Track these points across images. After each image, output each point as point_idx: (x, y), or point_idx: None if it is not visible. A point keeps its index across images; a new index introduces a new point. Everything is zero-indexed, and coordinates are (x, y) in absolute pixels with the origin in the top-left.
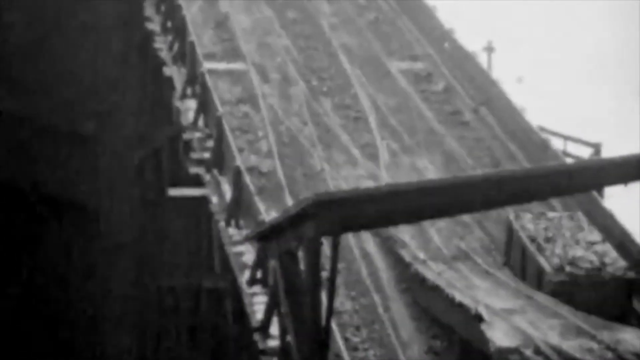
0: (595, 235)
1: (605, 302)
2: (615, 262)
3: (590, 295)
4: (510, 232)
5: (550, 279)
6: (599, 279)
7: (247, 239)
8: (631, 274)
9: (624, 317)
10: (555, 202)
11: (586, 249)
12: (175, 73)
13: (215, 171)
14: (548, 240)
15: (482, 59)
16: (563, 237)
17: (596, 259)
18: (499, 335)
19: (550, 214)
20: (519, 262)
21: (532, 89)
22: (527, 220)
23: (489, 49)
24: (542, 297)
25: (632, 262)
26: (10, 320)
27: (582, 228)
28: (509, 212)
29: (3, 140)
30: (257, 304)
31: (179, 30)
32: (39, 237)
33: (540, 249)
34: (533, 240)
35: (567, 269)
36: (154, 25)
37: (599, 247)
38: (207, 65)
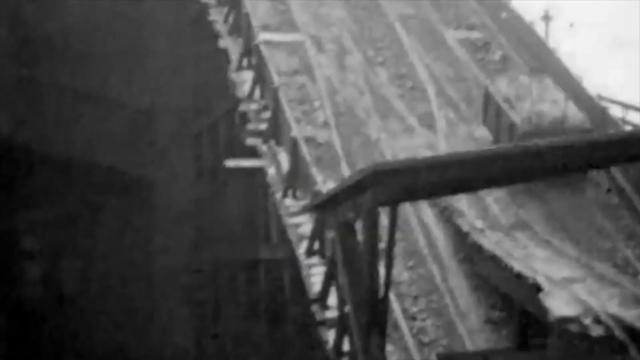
0: (559, 94)
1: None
2: (576, 115)
3: None
4: (486, 94)
5: (520, 129)
6: (561, 129)
7: (304, 210)
8: (588, 124)
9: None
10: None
11: (551, 105)
12: (230, 45)
13: (272, 142)
14: (519, 99)
15: (540, 28)
16: (531, 96)
17: (559, 113)
18: (558, 305)
19: (521, 78)
20: (494, 119)
21: (589, 57)
22: (501, 84)
23: (547, 18)
24: (601, 267)
25: (589, 115)
26: (73, 289)
27: (549, 89)
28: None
29: (60, 114)
30: (315, 275)
31: (234, 2)
32: (98, 209)
33: (511, 107)
34: (506, 100)
35: (534, 120)
36: None
37: (561, 104)
38: (262, 36)
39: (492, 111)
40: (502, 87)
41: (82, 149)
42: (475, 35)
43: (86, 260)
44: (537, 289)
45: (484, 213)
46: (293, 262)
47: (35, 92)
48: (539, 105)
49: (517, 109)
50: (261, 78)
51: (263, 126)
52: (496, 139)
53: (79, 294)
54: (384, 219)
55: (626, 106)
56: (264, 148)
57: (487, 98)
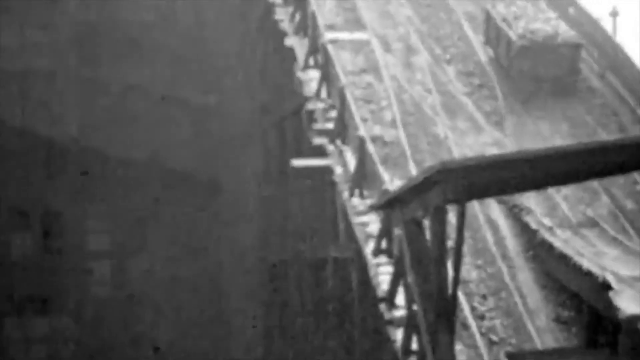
0: (552, 14)
1: (559, 62)
2: (566, 32)
3: (547, 57)
4: (487, 16)
5: (516, 44)
6: (553, 42)
7: (371, 208)
8: (577, 39)
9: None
10: None
11: (544, 23)
12: (296, 44)
13: (338, 141)
14: (516, 18)
15: (607, 24)
16: (527, 16)
17: (551, 30)
18: (627, 303)
19: (518, 1)
20: (494, 38)
21: None
22: (500, 6)
23: (614, 14)
24: None
25: (580, 33)
26: (141, 289)
27: (542, 10)
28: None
29: (126, 114)
30: (383, 274)
31: (300, 1)
32: (166, 209)
33: (509, 25)
34: (504, 19)
35: (529, 36)
36: None
37: (554, 22)
38: (328, 35)
39: (492, 31)
40: (500, 9)
41: (149, 149)
42: None
43: (154, 259)
44: (607, 287)
45: (553, 211)
46: (360, 260)
47: (99, 92)
48: (533, 23)
49: (514, 27)
50: (327, 77)
51: (330, 125)
52: (496, 55)
53: (147, 294)
54: (451, 217)
55: None
56: (330, 147)
57: (488, 19)
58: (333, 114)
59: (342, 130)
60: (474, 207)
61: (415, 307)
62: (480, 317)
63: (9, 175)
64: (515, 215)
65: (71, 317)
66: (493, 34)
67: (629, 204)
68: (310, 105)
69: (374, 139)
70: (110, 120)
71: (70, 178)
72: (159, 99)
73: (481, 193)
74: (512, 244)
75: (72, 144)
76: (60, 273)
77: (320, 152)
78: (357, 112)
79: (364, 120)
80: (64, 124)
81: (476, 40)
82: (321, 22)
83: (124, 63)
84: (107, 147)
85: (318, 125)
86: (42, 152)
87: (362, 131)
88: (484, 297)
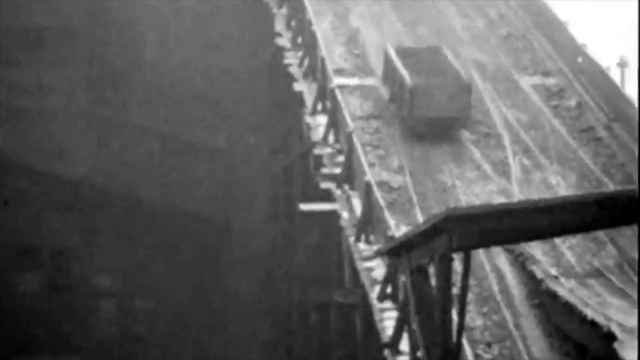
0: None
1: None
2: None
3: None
4: (386, 56)
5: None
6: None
7: (377, 254)
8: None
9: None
10: None
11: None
12: (305, 89)
13: (345, 186)
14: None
15: (615, 74)
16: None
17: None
18: (632, 354)
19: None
20: (389, 77)
21: None
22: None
23: (622, 64)
24: None
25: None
26: (147, 330)
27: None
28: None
29: (135, 154)
30: (387, 319)
31: (309, 46)
32: (174, 251)
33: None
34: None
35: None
36: (284, 41)
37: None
38: (337, 80)
39: (389, 70)
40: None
41: (159, 190)
42: (550, 81)
43: (160, 300)
44: (612, 337)
45: (558, 260)
46: (365, 306)
47: (109, 132)
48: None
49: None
50: (335, 122)
51: (337, 170)
52: (391, 95)
53: (153, 335)
54: (457, 265)
55: None
56: (337, 192)
57: (386, 58)
58: (340, 159)
59: (350, 175)
60: (480, 255)
61: (419, 353)
62: None
63: (17, 214)
64: (521, 264)
65: (80, 355)
66: (389, 70)
67: (636, 255)
68: (318, 150)
69: (381, 185)
70: (120, 160)
71: (80, 216)
72: (169, 140)
73: (487, 242)
74: (518, 292)
75: (79, 183)
76: (68, 311)
77: (328, 196)
78: (364, 157)
79: (371, 165)
80: (74, 163)
81: (484, 87)
82: (330, 67)
83: (133, 105)
84: (116, 188)
85: (325, 170)
86: (52, 191)
87: (369, 176)
88: (489, 345)
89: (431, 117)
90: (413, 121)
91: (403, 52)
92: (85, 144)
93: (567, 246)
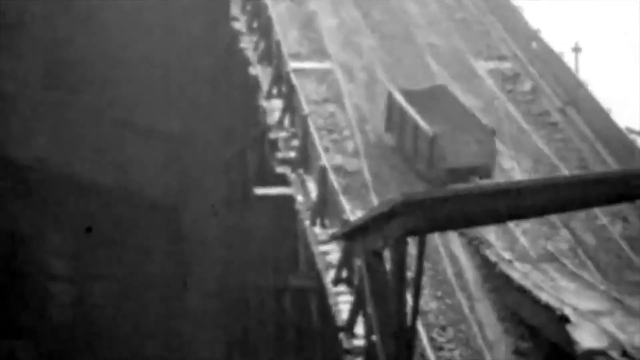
0: None
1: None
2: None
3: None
4: (390, 100)
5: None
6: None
7: (332, 238)
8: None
9: None
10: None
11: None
12: (260, 73)
13: (300, 170)
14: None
15: (570, 59)
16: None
17: None
18: (585, 337)
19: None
20: (397, 123)
21: (619, 88)
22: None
23: (577, 49)
24: (630, 300)
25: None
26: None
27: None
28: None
29: (92, 139)
30: (342, 303)
31: (264, 30)
32: (128, 235)
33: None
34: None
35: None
36: (240, 25)
37: None
38: (293, 64)
39: (396, 116)
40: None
41: (113, 174)
42: (505, 65)
43: (116, 284)
44: (565, 320)
45: (512, 244)
46: (320, 290)
47: (67, 117)
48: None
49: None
50: (291, 106)
51: (292, 154)
52: (400, 143)
53: (108, 318)
54: (412, 249)
55: None
56: (292, 176)
57: (390, 101)
58: (295, 142)
59: (305, 159)
60: (435, 239)
61: (374, 337)
62: (439, 348)
63: None
64: (475, 248)
65: (31, 340)
66: (396, 117)
67: (589, 239)
68: (273, 134)
69: (336, 169)
70: (75, 145)
71: (35, 201)
72: (124, 125)
73: (441, 226)
74: (472, 276)
75: (37, 165)
76: (21, 296)
77: (283, 180)
78: (319, 141)
79: (326, 149)
80: (29, 146)
81: (439, 72)
82: (285, 51)
83: (91, 89)
84: (72, 171)
85: (280, 154)
86: (6, 176)
87: (324, 160)
88: (443, 328)
89: (456, 168)
90: (434, 173)
91: (408, 94)
92: (39, 129)
93: (521, 230)
